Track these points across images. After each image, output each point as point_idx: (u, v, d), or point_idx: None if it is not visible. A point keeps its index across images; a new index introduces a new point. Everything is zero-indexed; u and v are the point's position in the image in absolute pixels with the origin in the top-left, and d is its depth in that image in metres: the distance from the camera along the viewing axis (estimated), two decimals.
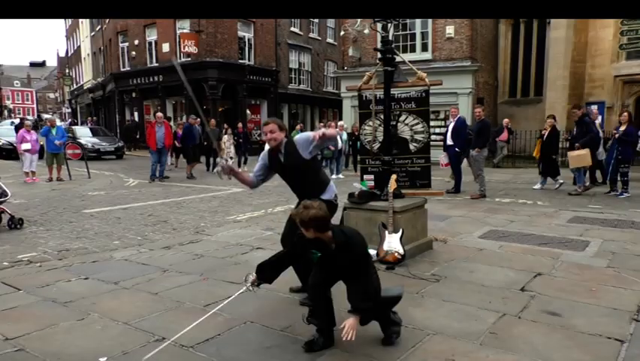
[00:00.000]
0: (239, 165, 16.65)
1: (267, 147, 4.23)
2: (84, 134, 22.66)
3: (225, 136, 16.59)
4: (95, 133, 23.66)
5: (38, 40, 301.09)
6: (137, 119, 27.47)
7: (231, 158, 16.24)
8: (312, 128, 31.30)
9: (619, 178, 10.07)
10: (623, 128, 9.88)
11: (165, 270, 5.03)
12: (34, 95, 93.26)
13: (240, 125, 18.05)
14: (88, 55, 39.01)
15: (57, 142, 13.08)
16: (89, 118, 28.43)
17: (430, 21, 18.69)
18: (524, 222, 7.33)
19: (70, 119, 38.97)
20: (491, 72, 21.83)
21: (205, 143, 16.21)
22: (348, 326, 2.92)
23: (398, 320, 3.32)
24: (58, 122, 18.84)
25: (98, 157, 20.44)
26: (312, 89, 30.91)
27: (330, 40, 31.83)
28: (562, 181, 10.95)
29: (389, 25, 5.66)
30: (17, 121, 30.40)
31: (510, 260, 5.27)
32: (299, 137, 4.04)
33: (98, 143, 21.63)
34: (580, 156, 10.19)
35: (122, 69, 28.04)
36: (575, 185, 10.55)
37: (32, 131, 13.82)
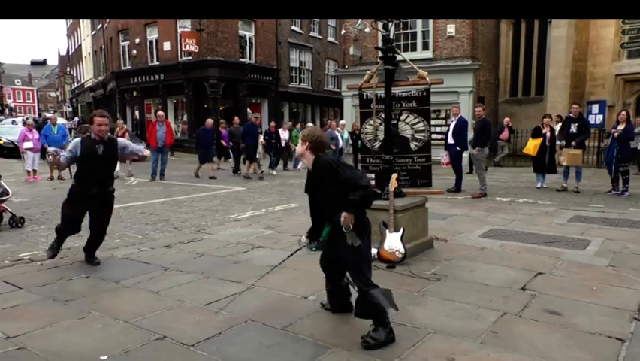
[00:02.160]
0: (271, 167, 15.35)
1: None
2: None
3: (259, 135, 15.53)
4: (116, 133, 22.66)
5: (39, 39, 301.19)
6: (138, 117, 27.44)
7: (259, 161, 14.94)
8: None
9: (620, 177, 10.08)
10: (621, 127, 9.87)
11: (166, 269, 5.04)
12: (35, 93, 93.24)
13: (272, 123, 16.64)
14: (89, 53, 39.04)
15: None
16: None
17: (431, 20, 18.66)
18: (525, 222, 7.33)
19: (79, 118, 38.82)
20: (492, 71, 21.80)
21: (231, 143, 15.57)
22: (343, 217, 3.21)
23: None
24: (60, 121, 18.76)
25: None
26: (313, 88, 30.90)
27: (330, 38, 31.80)
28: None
29: (390, 23, 5.65)
30: (19, 120, 30.39)
31: (511, 259, 5.27)
32: (121, 139, 5.27)
33: None
34: (576, 155, 10.28)
35: (123, 68, 28.05)
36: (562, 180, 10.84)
37: (34, 130, 13.83)
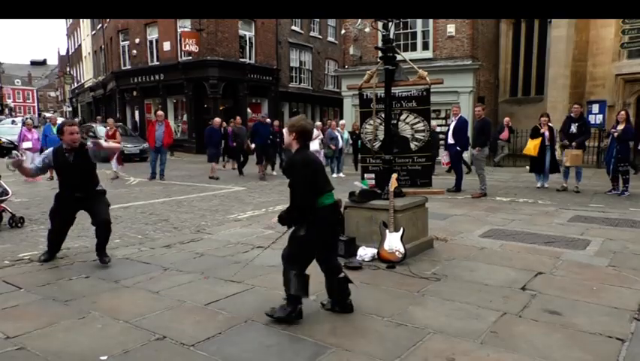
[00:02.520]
0: (272, 169, 14.99)
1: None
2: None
3: None
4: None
5: (39, 39, 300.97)
6: (138, 120, 27.35)
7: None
8: None
9: (620, 177, 10.07)
10: (620, 127, 9.87)
11: (166, 268, 5.03)
12: (35, 93, 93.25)
13: (276, 123, 16.21)
14: (89, 53, 39.03)
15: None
16: (98, 118, 28.32)
17: (430, 20, 18.65)
18: (525, 221, 7.33)
19: (79, 118, 38.78)
20: (492, 71, 21.78)
21: (234, 144, 15.24)
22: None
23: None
24: (60, 120, 18.62)
25: (124, 160, 19.18)
26: (313, 88, 30.90)
27: (330, 38, 31.80)
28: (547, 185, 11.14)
29: (390, 23, 5.65)
30: (18, 120, 30.34)
31: (511, 259, 5.27)
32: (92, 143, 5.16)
33: (123, 144, 18.58)
34: (577, 156, 10.31)
35: (122, 68, 28.04)
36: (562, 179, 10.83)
37: (34, 130, 13.84)
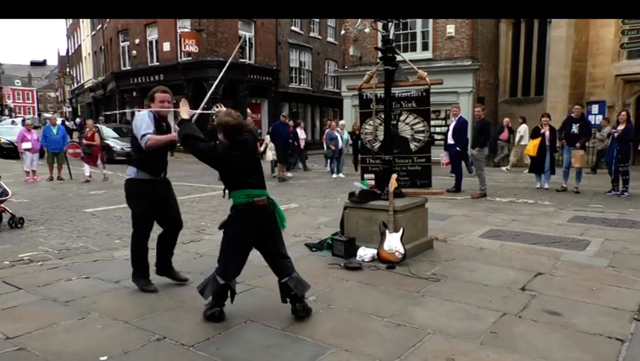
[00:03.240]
0: (287, 169, 14.28)
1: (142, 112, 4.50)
2: (110, 134, 20.23)
3: (267, 137, 14.37)
4: (122, 134, 20.43)
5: (39, 40, 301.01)
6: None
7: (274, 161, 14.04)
8: (313, 128, 31.36)
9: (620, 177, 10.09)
10: (621, 127, 9.88)
11: None
12: (35, 94, 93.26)
13: (291, 123, 15.63)
14: (89, 54, 39.04)
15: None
16: (100, 118, 28.17)
17: (430, 20, 18.69)
18: (525, 222, 7.33)
19: (80, 120, 38.72)
20: (492, 71, 21.79)
21: None
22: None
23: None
24: (59, 121, 18.61)
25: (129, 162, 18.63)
26: (313, 89, 30.90)
27: (330, 39, 31.81)
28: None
29: (390, 24, 5.65)
30: (18, 120, 30.33)
31: (510, 260, 5.28)
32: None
33: (128, 146, 18.75)
34: (583, 156, 10.39)
35: (122, 68, 28.05)
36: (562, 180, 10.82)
37: (33, 131, 13.84)
